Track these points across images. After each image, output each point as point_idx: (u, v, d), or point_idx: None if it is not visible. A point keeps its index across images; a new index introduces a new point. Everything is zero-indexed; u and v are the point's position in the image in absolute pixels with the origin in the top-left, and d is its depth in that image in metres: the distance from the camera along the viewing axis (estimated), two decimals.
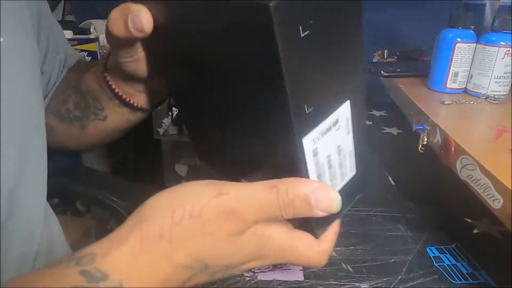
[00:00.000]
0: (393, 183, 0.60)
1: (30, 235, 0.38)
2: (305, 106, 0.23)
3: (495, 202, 0.35)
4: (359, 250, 0.44)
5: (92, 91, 0.44)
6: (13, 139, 0.35)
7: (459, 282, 0.41)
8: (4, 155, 0.34)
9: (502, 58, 0.56)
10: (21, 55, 0.37)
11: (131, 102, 0.42)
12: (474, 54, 0.59)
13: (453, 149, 0.43)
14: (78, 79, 0.46)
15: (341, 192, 0.28)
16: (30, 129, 0.38)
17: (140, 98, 0.42)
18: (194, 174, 0.58)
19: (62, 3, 1.14)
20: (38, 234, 0.39)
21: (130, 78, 0.38)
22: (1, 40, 0.33)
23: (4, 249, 0.35)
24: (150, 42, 0.31)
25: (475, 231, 0.49)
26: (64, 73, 0.51)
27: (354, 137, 0.29)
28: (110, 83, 0.41)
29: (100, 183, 0.69)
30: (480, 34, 0.59)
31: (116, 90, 0.41)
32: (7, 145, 0.34)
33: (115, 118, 0.44)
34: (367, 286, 0.39)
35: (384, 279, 0.40)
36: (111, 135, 0.47)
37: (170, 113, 0.49)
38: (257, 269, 0.41)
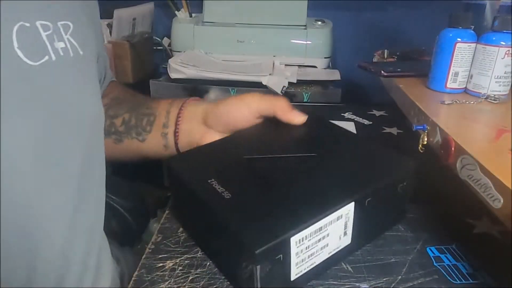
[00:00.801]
0: None
1: (83, 263, 0.38)
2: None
3: (495, 202, 0.35)
4: (359, 250, 0.44)
5: (152, 114, 0.49)
6: (80, 150, 0.35)
7: (459, 282, 0.41)
8: (69, 167, 0.34)
9: (502, 58, 0.56)
10: (92, 68, 0.40)
11: (177, 141, 0.48)
12: (474, 54, 0.59)
13: (453, 149, 0.43)
14: (138, 101, 0.52)
15: (327, 260, 0.39)
16: (95, 138, 0.39)
17: (183, 143, 0.48)
18: None
19: None
20: (94, 259, 0.39)
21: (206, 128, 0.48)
22: (81, 53, 0.36)
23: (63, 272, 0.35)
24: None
25: (475, 231, 0.49)
26: (104, 86, 0.54)
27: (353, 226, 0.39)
28: (180, 119, 0.48)
29: None
30: (480, 34, 0.59)
31: (178, 128, 0.47)
32: (73, 155, 0.34)
33: (151, 144, 0.49)
34: (367, 286, 0.39)
35: (384, 279, 0.40)
36: (135, 156, 0.51)
37: None
38: None
